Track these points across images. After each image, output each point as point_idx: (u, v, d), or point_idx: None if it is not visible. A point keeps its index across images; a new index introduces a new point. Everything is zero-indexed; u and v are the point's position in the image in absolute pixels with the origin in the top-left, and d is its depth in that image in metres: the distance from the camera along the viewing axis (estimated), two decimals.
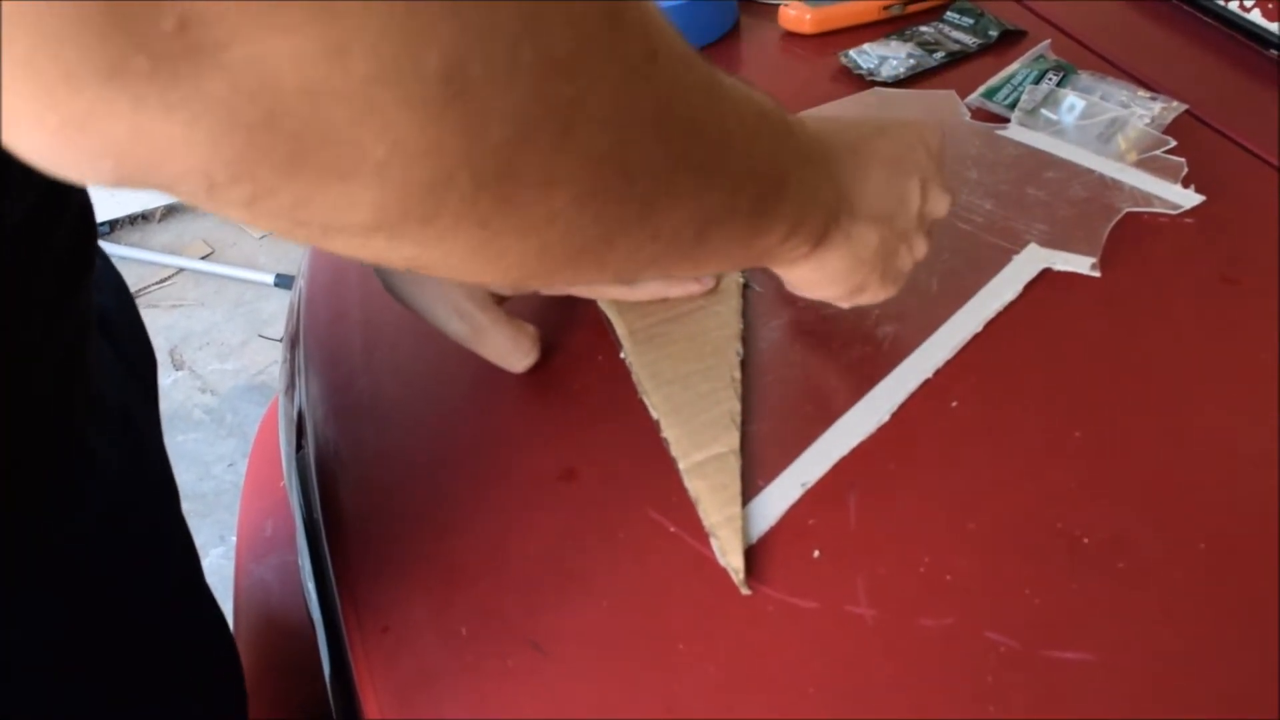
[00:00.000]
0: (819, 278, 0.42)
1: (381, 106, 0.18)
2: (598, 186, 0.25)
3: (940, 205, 0.44)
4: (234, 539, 0.76)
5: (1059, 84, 0.65)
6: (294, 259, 1.98)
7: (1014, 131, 0.62)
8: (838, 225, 0.40)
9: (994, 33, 0.72)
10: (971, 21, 0.73)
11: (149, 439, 0.48)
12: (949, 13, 0.75)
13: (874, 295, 0.45)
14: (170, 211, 2.19)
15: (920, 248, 0.45)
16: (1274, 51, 0.66)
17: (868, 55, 0.71)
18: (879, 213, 0.41)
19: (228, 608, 0.72)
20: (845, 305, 0.46)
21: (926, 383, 0.47)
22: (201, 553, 1.55)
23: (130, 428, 0.44)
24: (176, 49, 0.16)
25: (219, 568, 1.46)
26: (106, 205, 2.02)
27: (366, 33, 0.17)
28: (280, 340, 0.67)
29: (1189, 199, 0.55)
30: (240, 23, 0.16)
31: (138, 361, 0.52)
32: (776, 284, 0.53)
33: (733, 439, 0.45)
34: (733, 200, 0.32)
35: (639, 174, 0.26)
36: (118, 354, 0.48)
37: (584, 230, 0.26)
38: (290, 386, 0.62)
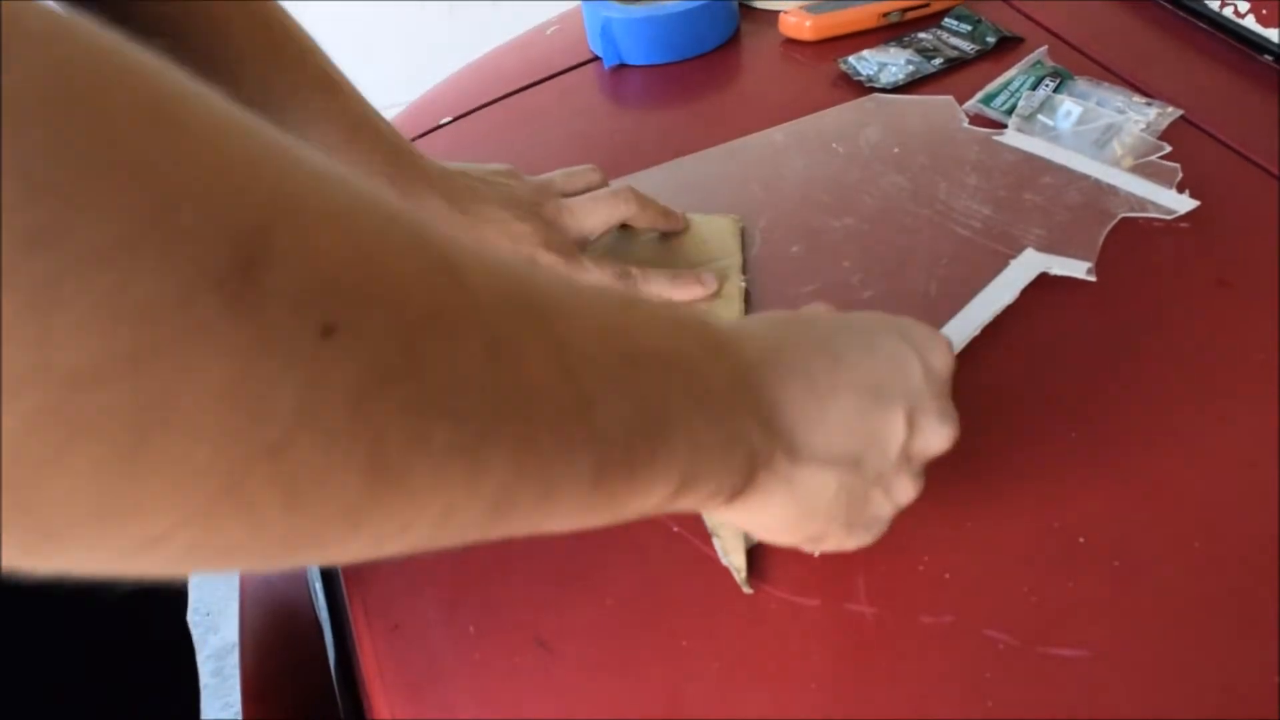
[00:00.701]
0: (754, 526, 0.36)
1: None
2: (230, 503, 0.18)
3: (935, 440, 0.36)
4: None
5: (1056, 90, 0.66)
6: None
7: (1011, 137, 0.63)
8: (771, 471, 0.32)
9: (992, 39, 0.73)
10: (970, 28, 0.74)
11: None
12: (947, 19, 0.76)
13: (838, 544, 0.37)
14: None
15: (904, 491, 0.36)
16: (1268, 57, 0.67)
17: (867, 62, 0.72)
18: (838, 454, 0.33)
19: (233, 607, 0.73)
20: (809, 550, 0.39)
21: None
22: None
23: None
24: None
25: None
26: None
27: None
28: None
29: (1184, 204, 0.56)
30: None
31: None
32: (779, 290, 0.54)
33: None
34: (547, 478, 0.24)
35: (317, 481, 0.19)
36: None
37: (240, 544, 0.19)
38: None
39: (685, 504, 0.30)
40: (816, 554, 0.40)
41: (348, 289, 0.18)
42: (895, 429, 0.34)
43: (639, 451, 0.26)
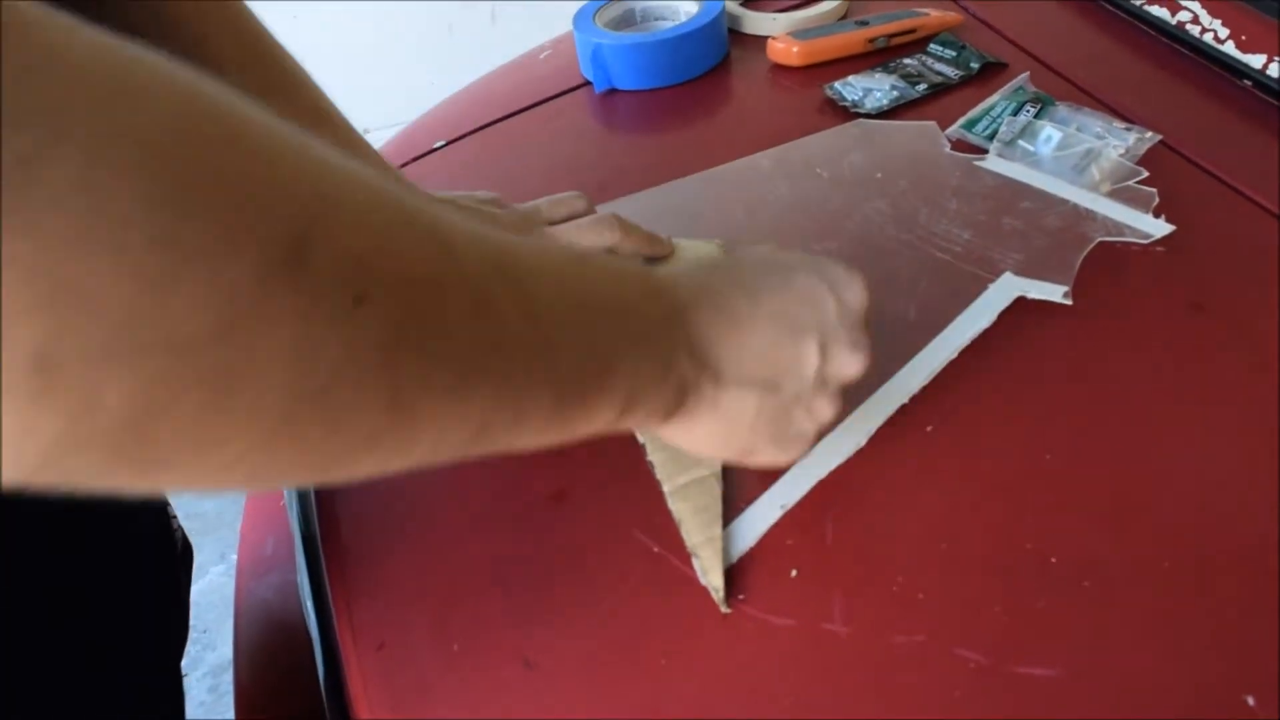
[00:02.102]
0: (689, 441, 0.40)
1: None
2: (286, 435, 0.23)
3: (847, 366, 0.41)
4: (234, 557, 0.77)
5: (1037, 116, 0.67)
6: None
7: (992, 162, 0.64)
8: (699, 394, 0.37)
9: (976, 65, 0.74)
10: (954, 54, 0.76)
11: None
12: (932, 45, 0.77)
13: (771, 459, 0.42)
14: None
15: (823, 410, 0.41)
16: (1247, 82, 0.68)
17: (852, 87, 0.73)
18: (757, 377, 0.38)
19: (228, 625, 0.74)
20: (745, 464, 0.43)
21: (903, 408, 0.49)
22: (202, 571, 1.57)
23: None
24: None
25: (219, 585, 1.48)
26: None
27: None
28: None
29: (1159, 228, 0.57)
30: None
31: None
32: None
33: (715, 462, 0.47)
34: (518, 407, 0.30)
35: (350, 412, 0.24)
36: None
37: (289, 462, 0.24)
38: None
39: (628, 423, 0.35)
40: (751, 466, 0.44)
41: (371, 268, 0.23)
42: (808, 356, 0.39)
43: (590, 383, 0.32)
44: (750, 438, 0.40)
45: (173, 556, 0.58)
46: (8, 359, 0.18)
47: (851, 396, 0.50)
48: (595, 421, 0.33)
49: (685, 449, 0.41)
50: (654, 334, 0.35)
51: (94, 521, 0.47)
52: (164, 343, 0.19)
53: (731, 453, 0.41)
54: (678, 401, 0.37)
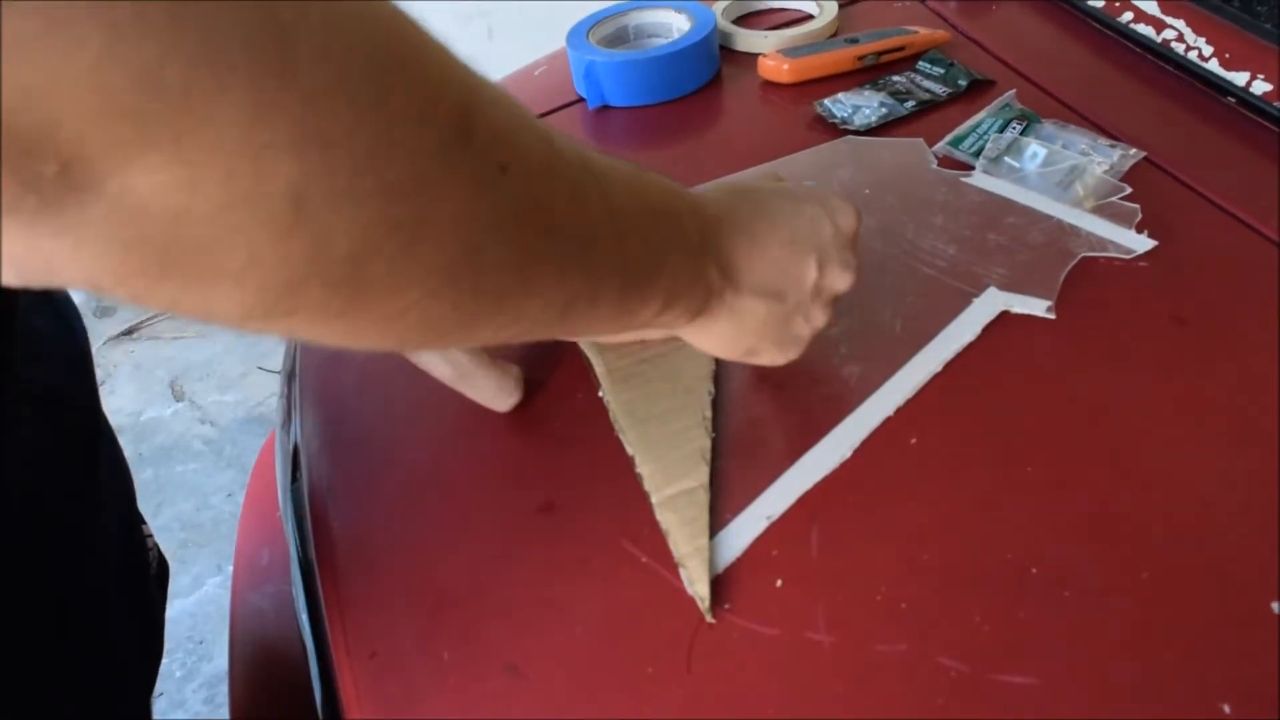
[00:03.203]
0: (704, 340, 0.46)
1: (235, 226, 0.22)
2: (449, 285, 0.28)
3: (839, 281, 0.47)
4: (231, 568, 0.78)
5: (1023, 133, 0.68)
6: None
7: (978, 179, 0.65)
8: (720, 299, 0.43)
9: (963, 82, 0.75)
10: (942, 71, 0.77)
11: (81, 523, 0.49)
12: (921, 62, 0.79)
13: (770, 359, 0.48)
14: None
15: (818, 318, 0.47)
16: (1231, 99, 0.69)
17: (842, 104, 0.74)
18: (768, 288, 0.44)
19: (224, 637, 0.74)
20: (748, 362, 0.49)
21: (887, 421, 0.50)
22: (198, 582, 1.57)
23: (45, 516, 0.46)
24: (60, 187, 0.19)
25: (216, 597, 1.48)
26: None
27: (216, 170, 0.20)
28: (279, 373, 0.69)
29: (1142, 244, 0.58)
30: (110, 165, 0.20)
31: (82, 445, 0.52)
32: None
33: (702, 474, 0.48)
34: (596, 289, 0.35)
35: (492, 272, 0.29)
36: (58, 435, 0.49)
37: (442, 318, 0.29)
38: (287, 421, 0.64)
39: (664, 320, 0.41)
40: (753, 364, 0.49)
41: (509, 143, 0.28)
42: (808, 270, 0.45)
43: (646, 276, 0.37)
44: (756, 340, 0.46)
45: (145, 577, 0.58)
46: (273, 194, 0.21)
47: (837, 409, 0.50)
48: (644, 312, 0.39)
49: (699, 347, 0.47)
50: (693, 243, 0.40)
51: (61, 537, 0.47)
52: (382, 190, 0.23)
53: (738, 352, 0.47)
54: (703, 304, 0.42)
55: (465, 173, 0.26)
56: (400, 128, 0.24)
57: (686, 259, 0.40)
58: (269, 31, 0.20)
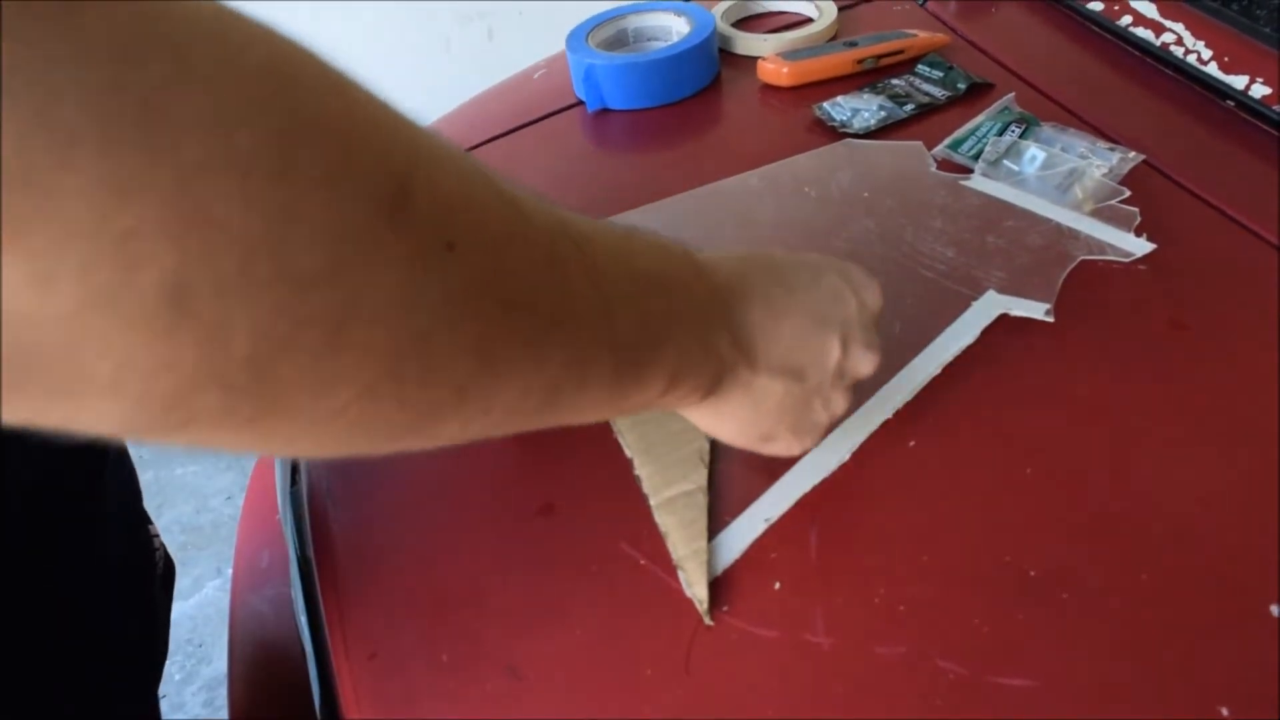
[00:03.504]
0: (716, 424, 0.42)
1: (98, 330, 0.18)
2: (390, 380, 0.24)
3: (863, 364, 0.43)
4: (230, 571, 0.78)
5: (1021, 136, 0.68)
6: None
7: (977, 182, 0.65)
8: (734, 377, 0.39)
9: (962, 85, 0.75)
10: (941, 74, 0.77)
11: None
12: (920, 65, 0.79)
13: (786, 447, 0.44)
14: None
15: (838, 404, 0.43)
16: (1230, 103, 0.69)
17: (841, 107, 0.74)
18: (787, 366, 0.40)
19: (223, 640, 0.74)
20: (761, 451, 0.44)
21: (886, 423, 0.50)
22: (198, 584, 1.57)
23: (46, 516, 0.45)
24: None
25: (215, 599, 1.48)
26: None
27: (70, 263, 0.17)
28: None
29: (1141, 247, 0.58)
30: None
31: (85, 445, 0.51)
32: None
33: (701, 477, 0.48)
34: (583, 370, 0.30)
35: (444, 361, 0.25)
36: (59, 435, 0.48)
37: (388, 419, 0.25)
38: None
39: (670, 400, 0.36)
40: (766, 454, 0.45)
41: (461, 216, 0.24)
42: (832, 349, 0.41)
43: (643, 353, 0.33)
44: (774, 423, 0.42)
45: (151, 577, 0.58)
46: (144, 289, 0.18)
47: None
48: (645, 393, 0.34)
49: (708, 431, 0.43)
50: (699, 314, 0.36)
51: (62, 537, 0.47)
52: (285, 276, 0.20)
53: (752, 438, 0.43)
54: (715, 382, 0.38)
55: (399, 253, 0.22)
56: (309, 203, 0.20)
57: (694, 331, 0.36)
58: (128, 93, 0.17)
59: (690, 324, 0.35)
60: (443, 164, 0.24)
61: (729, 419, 0.41)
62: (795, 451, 0.44)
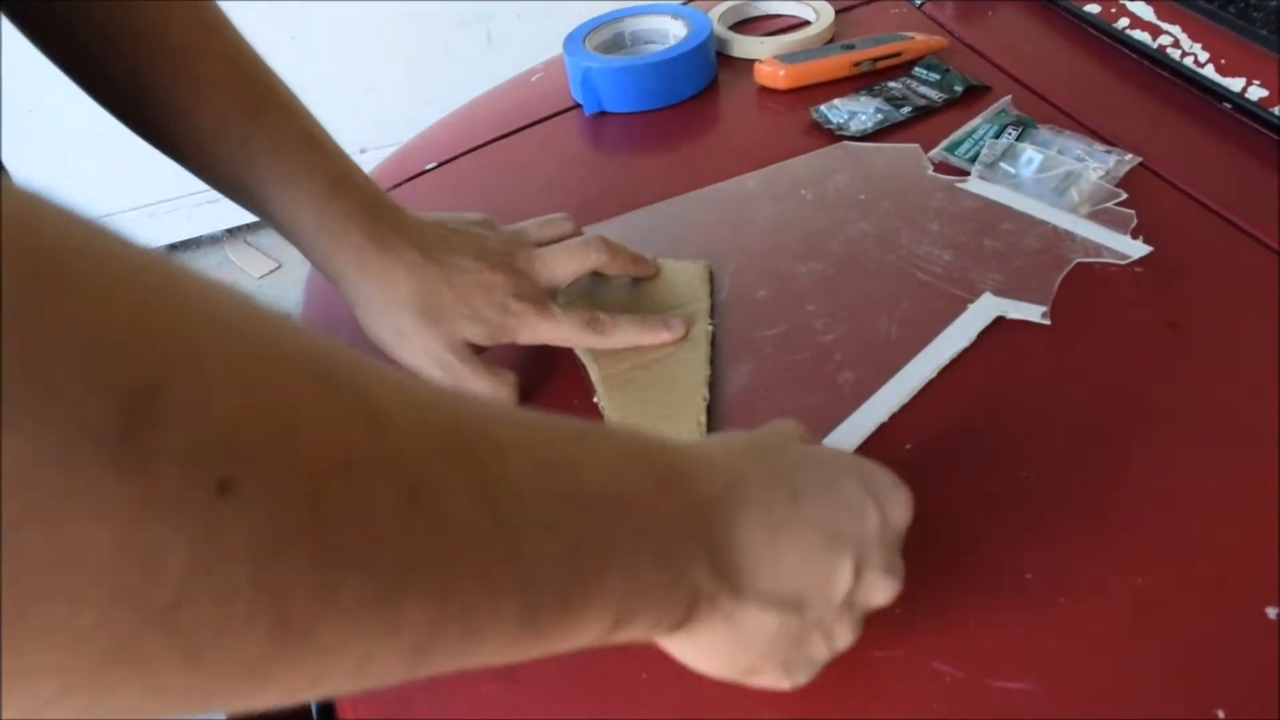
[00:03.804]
0: (689, 654, 0.35)
1: None
2: (128, 661, 0.17)
3: (878, 592, 0.36)
4: None
5: (1018, 138, 0.68)
6: (293, 299, 2.01)
7: (974, 185, 0.65)
8: (713, 607, 0.31)
9: (959, 88, 0.75)
10: (938, 77, 0.77)
11: None
12: (917, 68, 0.79)
13: (774, 682, 0.37)
14: (174, 248, 2.22)
15: (842, 637, 0.36)
16: (1227, 105, 0.69)
17: (838, 110, 0.74)
18: (783, 595, 0.33)
19: None
20: (743, 683, 0.37)
21: (882, 427, 0.50)
22: None
23: None
24: None
25: None
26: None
27: None
28: None
29: (1137, 249, 0.58)
30: None
31: None
32: (745, 334, 0.56)
33: None
34: (468, 621, 0.24)
35: (217, 634, 0.18)
36: None
37: (141, 704, 0.18)
38: None
39: (621, 638, 0.29)
40: (747, 686, 0.38)
41: (247, 443, 0.18)
42: (842, 576, 0.34)
43: (572, 592, 0.26)
44: (759, 659, 0.35)
45: None
46: None
47: (833, 415, 0.50)
48: (579, 636, 0.28)
49: (682, 660, 0.36)
50: (666, 535, 0.29)
51: None
52: None
53: (733, 671, 0.36)
54: (687, 615, 0.31)
55: (124, 496, 0.16)
56: None
57: (654, 560, 0.29)
58: None
59: (651, 551, 0.29)
60: (226, 364, 0.18)
61: (705, 651, 0.34)
62: (784, 688, 0.37)
